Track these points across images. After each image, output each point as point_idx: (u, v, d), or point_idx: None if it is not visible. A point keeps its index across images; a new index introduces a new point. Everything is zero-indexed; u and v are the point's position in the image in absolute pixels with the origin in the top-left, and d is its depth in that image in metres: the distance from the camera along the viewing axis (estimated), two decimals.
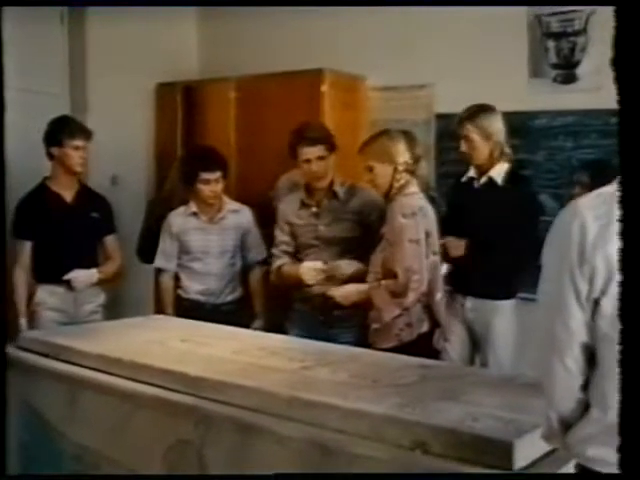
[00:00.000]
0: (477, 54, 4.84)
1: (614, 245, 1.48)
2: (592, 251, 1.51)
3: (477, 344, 4.03)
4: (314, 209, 4.10)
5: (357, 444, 2.24)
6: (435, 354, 3.56)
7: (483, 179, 4.01)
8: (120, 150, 5.39)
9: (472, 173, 4.07)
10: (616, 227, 1.47)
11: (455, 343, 3.97)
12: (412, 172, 3.65)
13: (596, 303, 1.53)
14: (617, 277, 1.47)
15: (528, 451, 2.04)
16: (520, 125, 4.67)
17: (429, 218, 3.57)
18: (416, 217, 3.50)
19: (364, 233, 4.01)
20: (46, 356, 3.29)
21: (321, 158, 4.00)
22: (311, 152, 3.98)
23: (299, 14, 5.35)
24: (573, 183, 4.11)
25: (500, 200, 3.94)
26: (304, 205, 4.13)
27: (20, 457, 3.32)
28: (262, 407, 2.49)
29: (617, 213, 1.48)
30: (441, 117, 5.08)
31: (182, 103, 5.84)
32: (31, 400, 3.29)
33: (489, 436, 2.07)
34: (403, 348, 3.38)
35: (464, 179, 4.11)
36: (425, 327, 3.54)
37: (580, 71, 4.64)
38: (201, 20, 6.23)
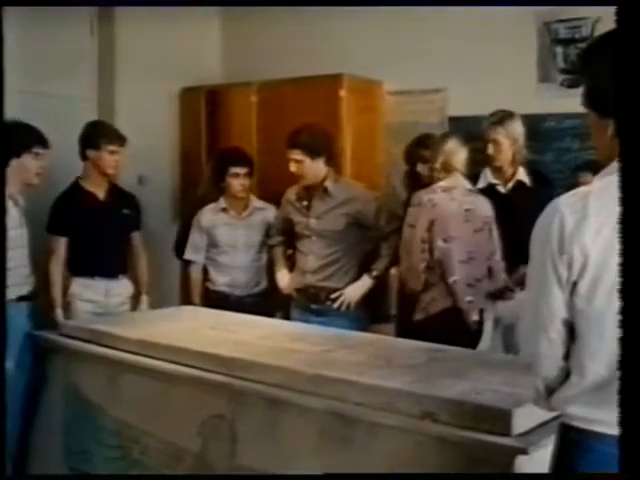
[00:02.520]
0: (488, 60, 5.00)
1: (588, 236, 1.74)
2: (570, 241, 1.76)
3: (502, 332, 4.17)
4: (305, 202, 4.42)
5: (374, 414, 2.50)
6: (463, 326, 3.88)
7: (510, 184, 4.19)
8: (147, 151, 5.53)
9: (491, 179, 4.22)
10: (590, 220, 1.74)
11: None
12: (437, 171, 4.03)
13: (574, 285, 1.78)
14: (591, 262, 1.74)
15: (525, 420, 2.29)
16: (529, 127, 4.86)
17: (438, 209, 3.91)
18: (420, 206, 3.95)
19: (354, 227, 4.34)
20: (88, 342, 3.54)
21: (297, 161, 4.30)
22: (290, 153, 4.31)
23: (318, 20, 5.59)
24: (576, 183, 4.30)
25: (531, 201, 4.11)
26: (299, 198, 4.45)
27: (64, 434, 3.59)
28: (288, 384, 2.74)
29: (591, 208, 1.75)
30: (454, 120, 5.27)
31: (206, 106, 6.00)
32: (74, 381, 3.55)
33: (490, 405, 2.33)
34: (431, 319, 3.88)
35: (482, 186, 4.22)
36: (449, 303, 3.88)
37: None
38: (223, 27, 6.40)
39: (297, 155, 4.29)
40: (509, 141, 4.14)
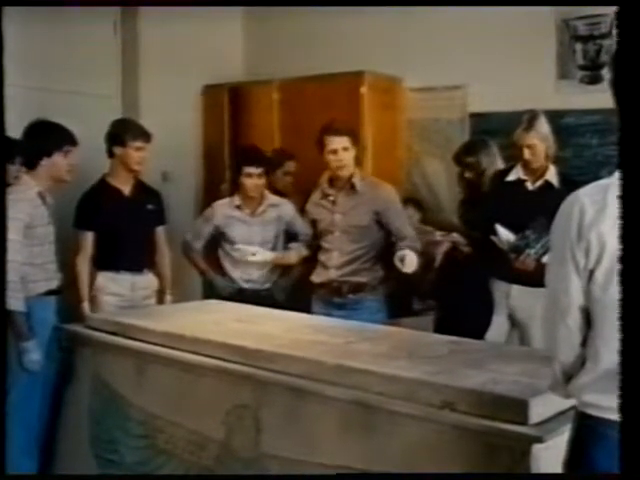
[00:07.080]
0: (508, 56, 5.04)
1: (606, 225, 1.80)
2: (588, 230, 1.83)
3: (517, 326, 4.23)
4: (331, 198, 4.45)
5: (395, 404, 2.56)
6: None
7: (539, 182, 4.18)
8: (170, 148, 5.54)
9: (521, 174, 4.21)
10: (608, 211, 1.80)
11: (494, 326, 4.21)
12: None
13: (591, 273, 1.85)
14: (608, 251, 1.80)
15: (542, 409, 2.34)
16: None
17: None
18: None
19: (378, 224, 4.38)
20: (114, 334, 3.62)
21: (345, 149, 4.32)
22: (337, 142, 4.31)
23: (339, 18, 5.63)
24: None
25: (556, 202, 4.13)
26: (324, 195, 4.49)
27: (91, 424, 3.67)
28: (311, 374, 2.81)
29: (610, 200, 1.80)
30: (474, 116, 5.33)
31: (228, 104, 6.06)
32: (101, 373, 3.63)
33: (507, 395, 2.39)
34: None
35: (512, 178, 4.24)
36: None
37: (605, 72, 4.79)
38: (246, 25, 6.47)
39: (346, 142, 4.32)
40: (542, 143, 4.13)
